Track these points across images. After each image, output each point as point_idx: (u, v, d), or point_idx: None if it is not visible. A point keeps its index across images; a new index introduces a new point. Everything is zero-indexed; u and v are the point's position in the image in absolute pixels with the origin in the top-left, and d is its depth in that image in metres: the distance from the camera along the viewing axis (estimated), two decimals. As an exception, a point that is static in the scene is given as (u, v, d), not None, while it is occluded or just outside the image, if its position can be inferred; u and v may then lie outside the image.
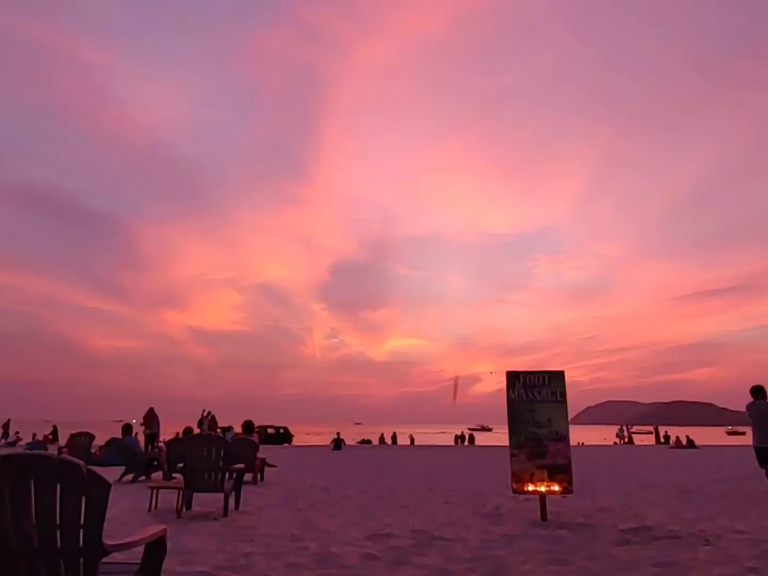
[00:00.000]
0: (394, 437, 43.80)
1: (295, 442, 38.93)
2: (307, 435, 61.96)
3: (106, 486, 2.63)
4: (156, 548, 3.10)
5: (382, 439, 43.53)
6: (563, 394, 7.22)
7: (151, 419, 17.61)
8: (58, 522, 2.62)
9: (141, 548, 3.00)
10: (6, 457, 2.61)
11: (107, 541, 2.68)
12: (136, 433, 13.48)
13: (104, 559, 2.70)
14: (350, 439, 40.05)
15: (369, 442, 43.61)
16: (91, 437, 13.67)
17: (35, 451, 2.69)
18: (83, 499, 2.62)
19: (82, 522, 2.63)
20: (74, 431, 17.51)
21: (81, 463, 2.63)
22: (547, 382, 7.24)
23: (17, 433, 30.84)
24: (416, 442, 43.71)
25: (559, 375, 7.29)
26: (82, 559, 2.66)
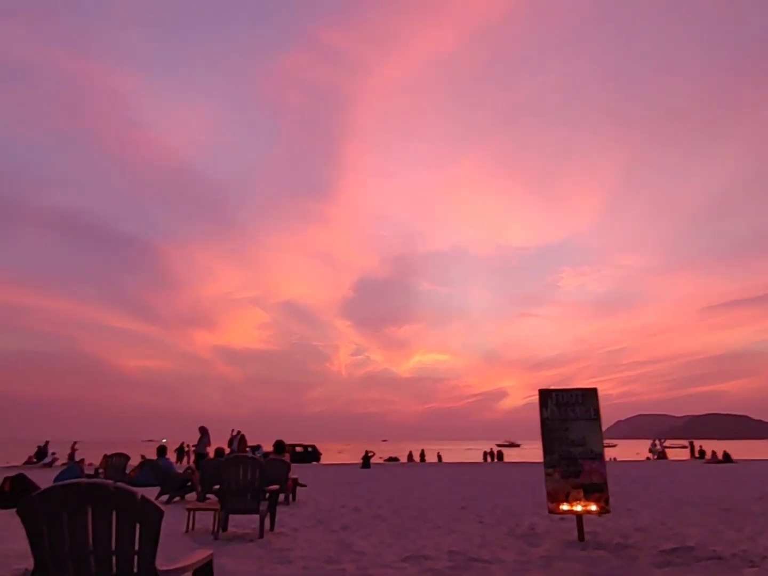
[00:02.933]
0: (422, 455, 43.48)
1: (323, 460, 38.88)
2: (337, 453, 61.87)
3: (159, 513, 2.72)
4: (204, 573, 3.18)
5: (410, 456, 43.23)
6: (597, 411, 7.15)
7: (201, 439, 17.75)
8: (113, 548, 2.71)
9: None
10: (64, 486, 2.72)
11: (160, 567, 2.76)
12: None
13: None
14: (377, 456, 39.85)
15: (396, 459, 43.35)
16: (126, 458, 13.88)
17: (93, 480, 2.79)
18: (137, 525, 2.72)
19: (136, 548, 2.73)
20: (108, 452, 17.79)
21: (136, 491, 2.72)
22: (580, 400, 7.18)
23: (54, 453, 31.38)
24: (444, 459, 43.32)
25: (592, 392, 7.23)
26: (136, 585, 2.75)
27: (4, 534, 7.37)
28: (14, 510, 9.83)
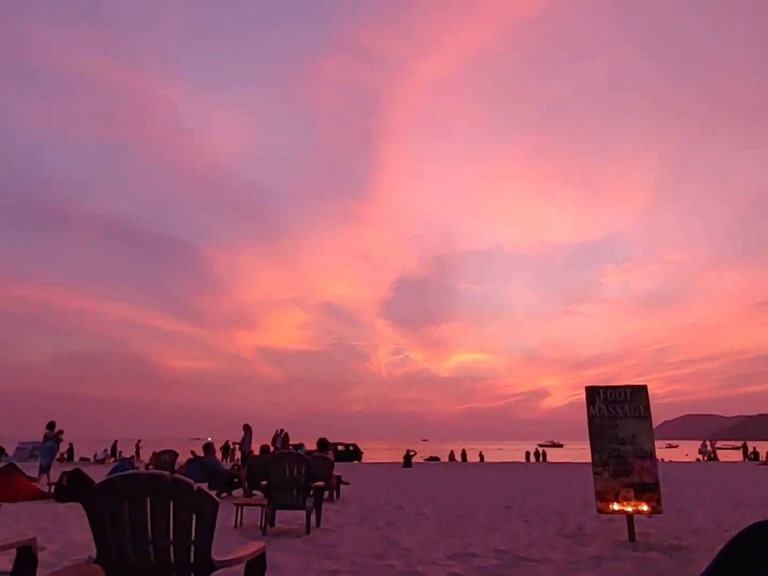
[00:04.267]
0: (463, 454, 43.25)
1: (364, 459, 39.09)
2: (375, 451, 62.12)
3: (215, 504, 2.78)
4: (257, 565, 3.23)
5: (451, 456, 43.06)
6: (647, 409, 6.97)
7: (244, 437, 18.14)
8: (171, 538, 2.78)
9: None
10: (125, 476, 2.81)
11: (215, 557, 2.82)
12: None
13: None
14: (417, 456, 39.83)
15: (437, 459, 43.25)
16: (175, 455, 14.27)
17: (151, 471, 2.87)
18: (194, 516, 2.79)
19: (192, 538, 2.79)
20: (156, 449, 18.34)
21: (191, 481, 2.79)
22: (629, 397, 7.02)
23: (105, 451, 32.59)
24: (486, 459, 42.97)
25: (642, 389, 7.05)
26: (192, 574, 2.81)
27: (64, 526, 7.67)
28: (71, 503, 10.25)
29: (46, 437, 15.14)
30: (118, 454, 33.43)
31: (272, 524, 7.49)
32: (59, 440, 15.40)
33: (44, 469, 14.73)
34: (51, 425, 15.22)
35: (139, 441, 35.86)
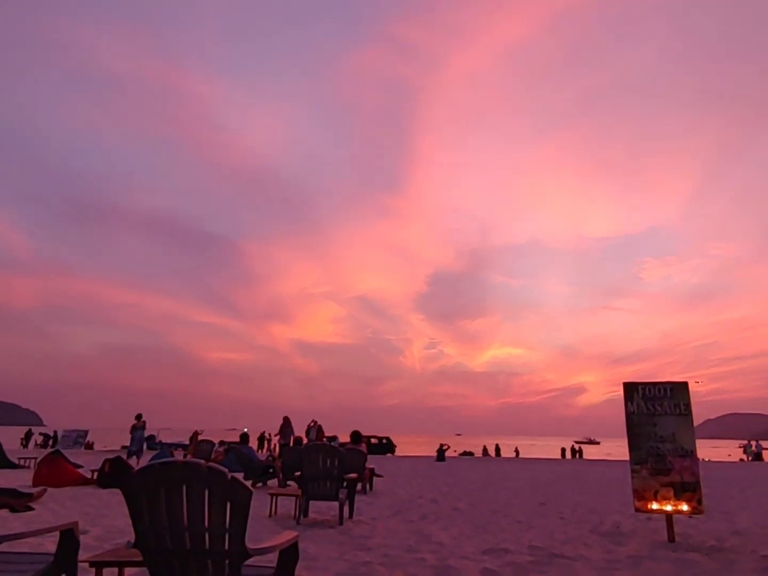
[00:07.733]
0: (497, 449, 42.95)
1: (397, 452, 39.17)
2: (409, 445, 62.20)
3: (248, 492, 2.81)
4: (290, 554, 3.26)
5: (485, 451, 42.81)
6: (688, 406, 6.77)
7: (285, 429, 18.54)
8: (206, 525, 2.83)
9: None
10: (162, 463, 2.86)
11: (249, 545, 2.85)
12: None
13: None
14: (451, 450, 39.72)
15: (471, 454, 43.04)
16: (212, 444, 14.61)
17: (187, 459, 2.91)
18: (228, 504, 2.82)
19: (227, 526, 2.83)
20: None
21: (226, 470, 2.82)
22: (668, 394, 6.83)
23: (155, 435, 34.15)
24: (520, 455, 42.56)
25: (683, 386, 6.84)
26: (227, 561, 2.85)
27: (105, 512, 7.91)
28: (113, 489, 10.57)
29: (134, 427, 17.10)
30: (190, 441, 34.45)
31: (306, 514, 7.57)
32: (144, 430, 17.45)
33: (133, 454, 16.90)
34: (138, 417, 17.46)
35: (196, 431, 36.94)
